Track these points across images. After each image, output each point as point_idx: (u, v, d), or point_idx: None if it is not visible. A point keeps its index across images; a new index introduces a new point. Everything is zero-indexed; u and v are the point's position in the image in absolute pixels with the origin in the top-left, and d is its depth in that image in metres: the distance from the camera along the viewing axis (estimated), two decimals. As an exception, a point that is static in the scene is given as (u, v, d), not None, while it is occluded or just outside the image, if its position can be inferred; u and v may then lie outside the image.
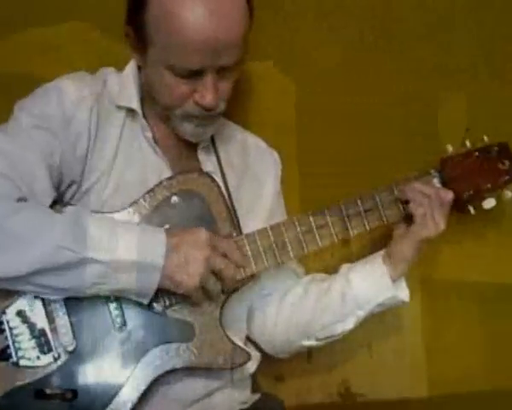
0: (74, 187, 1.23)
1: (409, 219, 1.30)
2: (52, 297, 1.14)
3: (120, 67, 1.32)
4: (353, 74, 1.52)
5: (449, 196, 1.28)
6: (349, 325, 1.35)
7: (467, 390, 1.54)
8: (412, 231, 1.29)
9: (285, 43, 1.50)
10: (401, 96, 1.54)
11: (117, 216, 1.20)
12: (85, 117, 1.21)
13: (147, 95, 1.28)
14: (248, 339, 1.43)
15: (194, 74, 1.16)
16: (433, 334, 1.57)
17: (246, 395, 1.37)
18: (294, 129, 1.56)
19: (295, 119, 1.55)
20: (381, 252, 1.35)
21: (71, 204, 1.22)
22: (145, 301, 1.16)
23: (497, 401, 1.55)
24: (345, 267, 1.39)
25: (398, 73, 1.53)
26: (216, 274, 1.15)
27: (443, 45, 1.52)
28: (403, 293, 1.35)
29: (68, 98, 1.21)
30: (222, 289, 1.18)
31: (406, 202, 1.29)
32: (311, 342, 1.39)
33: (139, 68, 1.30)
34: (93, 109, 1.22)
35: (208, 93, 1.17)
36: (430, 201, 1.26)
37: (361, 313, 1.34)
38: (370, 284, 1.32)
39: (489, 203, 1.35)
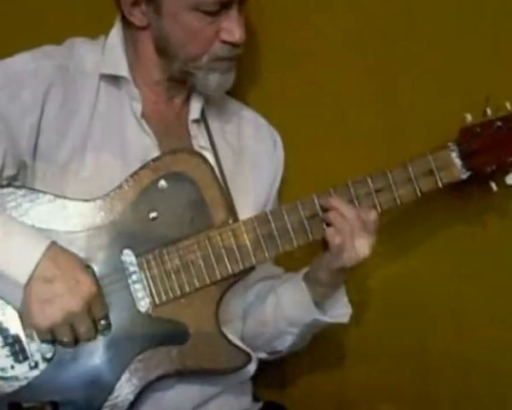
0: (26, 170, 1.17)
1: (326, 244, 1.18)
2: None
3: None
4: (353, 73, 1.46)
5: (371, 216, 1.15)
6: (287, 342, 1.29)
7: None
8: (327, 260, 1.18)
9: (285, 43, 1.46)
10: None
11: (96, 204, 1.13)
12: (39, 88, 1.17)
13: (137, 61, 1.24)
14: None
15: (221, 9, 1.17)
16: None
17: (246, 402, 1.32)
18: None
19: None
20: (304, 270, 1.26)
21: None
22: None
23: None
24: (280, 280, 1.31)
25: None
26: (72, 328, 1.07)
27: (444, 44, 1.43)
28: (333, 317, 1.25)
29: (18, 69, 1.17)
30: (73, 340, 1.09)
31: (327, 224, 1.17)
32: (264, 356, 1.33)
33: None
34: (54, 81, 1.18)
35: (236, 27, 1.18)
36: (351, 226, 1.13)
37: (296, 331, 1.27)
38: (297, 304, 1.25)
39: (512, 178, 1.28)
